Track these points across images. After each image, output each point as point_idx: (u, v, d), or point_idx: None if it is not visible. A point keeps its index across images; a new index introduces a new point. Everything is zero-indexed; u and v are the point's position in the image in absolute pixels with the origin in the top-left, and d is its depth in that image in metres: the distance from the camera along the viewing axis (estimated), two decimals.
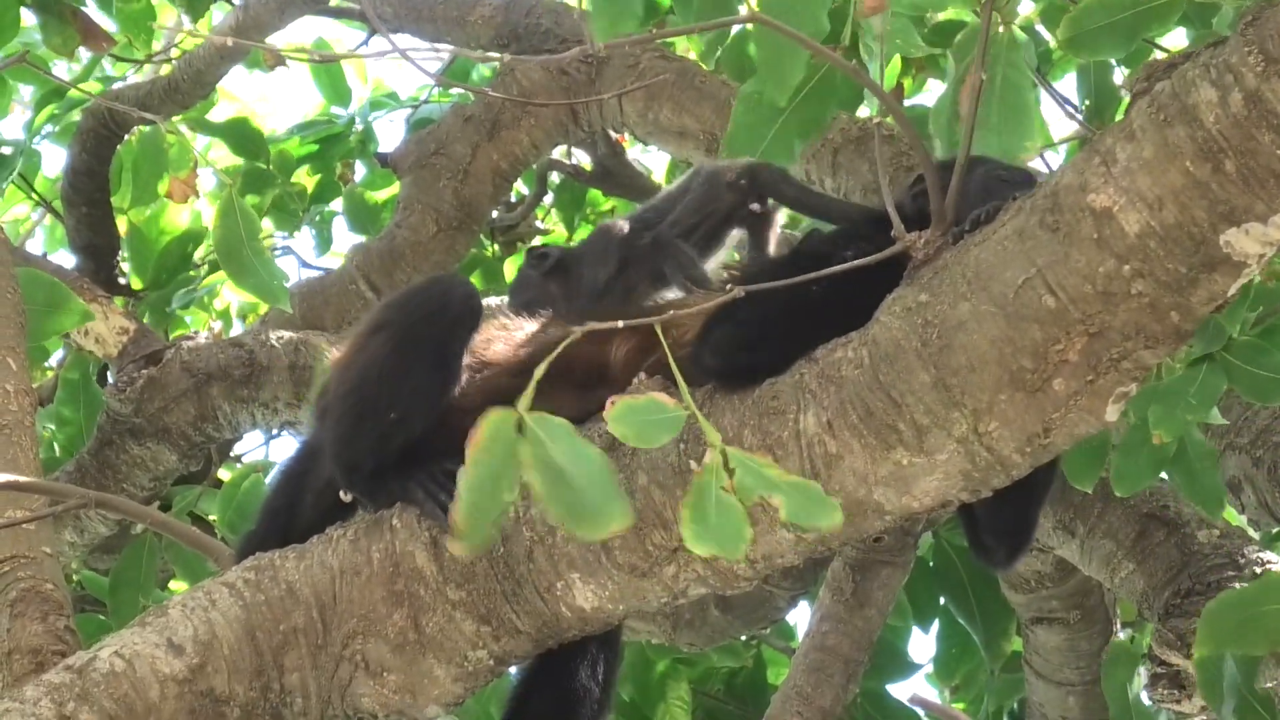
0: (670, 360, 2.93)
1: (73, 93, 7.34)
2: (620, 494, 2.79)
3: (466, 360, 3.48)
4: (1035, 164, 3.97)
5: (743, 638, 6.28)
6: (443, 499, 3.27)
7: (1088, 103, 4.97)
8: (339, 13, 7.88)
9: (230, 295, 7.97)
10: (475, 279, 7.44)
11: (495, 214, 7.31)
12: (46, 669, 3.36)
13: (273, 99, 11.42)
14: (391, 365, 3.42)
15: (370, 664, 3.34)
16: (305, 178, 7.78)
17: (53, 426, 5.90)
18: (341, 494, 3.50)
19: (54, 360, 7.22)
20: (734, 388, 3.22)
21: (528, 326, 3.66)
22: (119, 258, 7.44)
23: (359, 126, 7.74)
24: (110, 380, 5.92)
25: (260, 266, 4.81)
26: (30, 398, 4.20)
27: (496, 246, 7.91)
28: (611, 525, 2.83)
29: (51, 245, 8.57)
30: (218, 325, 7.90)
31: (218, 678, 3.27)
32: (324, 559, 3.39)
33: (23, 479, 3.74)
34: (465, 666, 3.35)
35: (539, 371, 2.93)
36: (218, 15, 7.89)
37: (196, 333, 6.08)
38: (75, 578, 6.34)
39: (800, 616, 6.59)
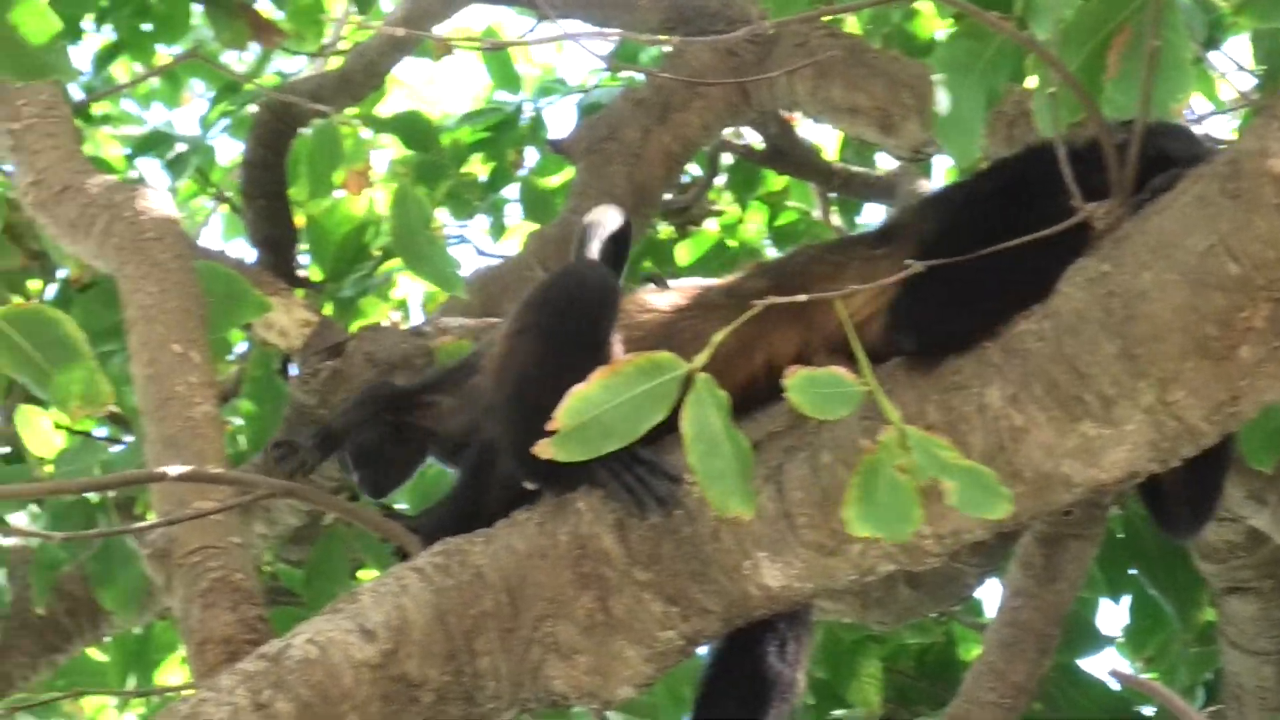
0: (851, 334, 2.95)
1: (246, 87, 7.48)
2: (748, 485, 2.94)
3: (617, 338, 3.50)
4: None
5: (933, 615, 6.26)
6: (626, 480, 3.32)
7: (1263, 68, 4.90)
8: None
9: (408, 285, 8.08)
10: (647, 263, 7.48)
11: (668, 196, 7.33)
12: (239, 658, 3.40)
13: (441, 85, 11.50)
14: (543, 364, 3.46)
15: (560, 646, 3.38)
16: (478, 166, 7.85)
17: (238, 420, 6.01)
18: (526, 483, 3.54)
19: (237, 353, 7.35)
20: (931, 364, 3.23)
21: (674, 298, 3.67)
22: (297, 250, 7.56)
23: (529, 113, 7.80)
24: (293, 372, 6.01)
25: (435, 254, 4.90)
26: (214, 390, 4.29)
27: (670, 229, 7.94)
28: (733, 508, 2.92)
29: (229, 236, 8.74)
30: (397, 316, 8.01)
31: (410, 663, 3.31)
32: (511, 543, 3.43)
33: (210, 470, 3.80)
34: (655, 647, 3.39)
35: (718, 337, 2.99)
36: (385, 5, 7.99)
37: (378, 324, 6.16)
38: (269, 570, 6.47)
39: (990, 593, 6.56)
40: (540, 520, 3.45)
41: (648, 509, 3.31)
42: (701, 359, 3.00)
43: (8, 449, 6.49)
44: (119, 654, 6.60)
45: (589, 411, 2.95)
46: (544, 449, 2.95)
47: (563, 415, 2.95)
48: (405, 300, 8.25)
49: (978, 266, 3.17)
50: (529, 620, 3.39)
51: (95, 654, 6.76)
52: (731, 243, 7.64)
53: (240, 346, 7.30)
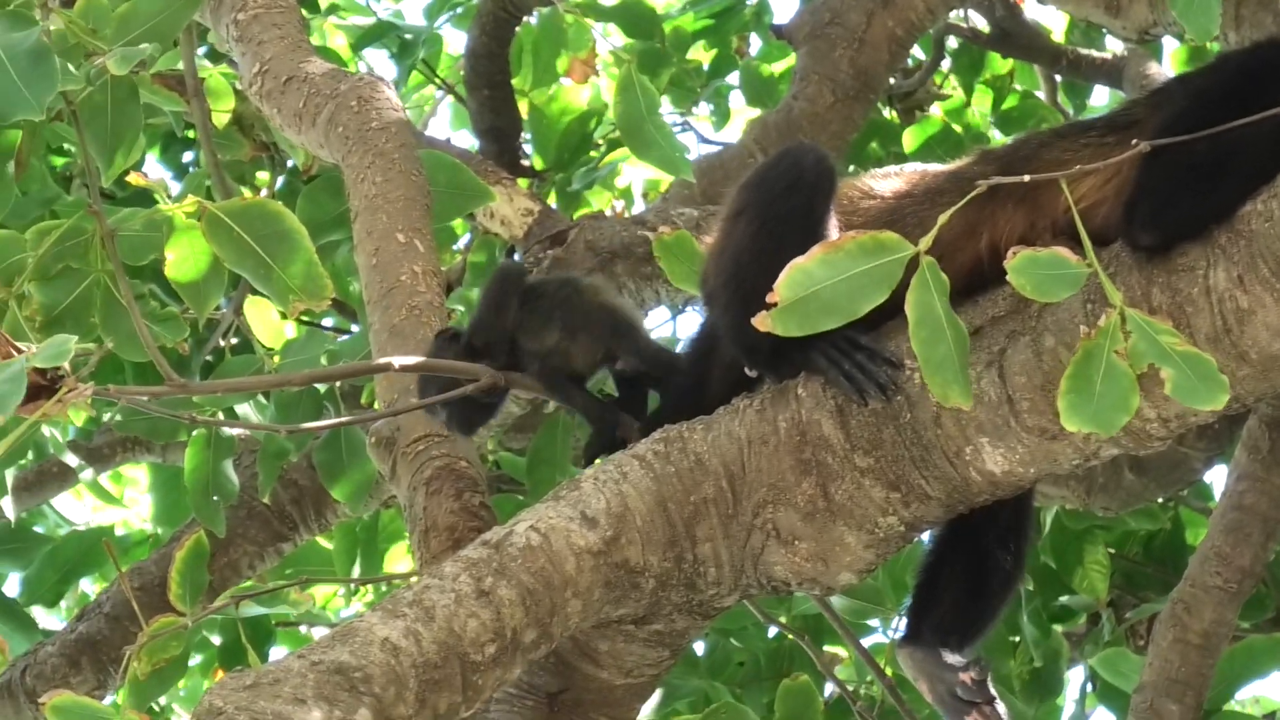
0: (1076, 215, 2.92)
1: None
2: (965, 375, 2.97)
3: (835, 223, 3.48)
4: None
5: (1159, 500, 6.19)
6: (846, 366, 3.31)
7: None
8: None
9: (631, 173, 8.10)
10: (874, 147, 7.41)
11: (892, 81, 7.26)
12: (463, 545, 3.43)
13: None
14: (760, 247, 3.44)
15: (781, 532, 3.39)
16: (700, 53, 7.83)
17: (461, 309, 6.08)
18: (746, 369, 3.55)
19: (461, 244, 7.43)
20: (1168, 253, 3.18)
21: (896, 184, 3.65)
22: (521, 140, 7.61)
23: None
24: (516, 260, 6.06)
25: (662, 139, 4.90)
26: (438, 279, 4.34)
27: (895, 114, 7.87)
28: (953, 398, 2.95)
29: (456, 127, 8.81)
30: (620, 205, 8.03)
31: (632, 549, 3.34)
32: (731, 429, 3.44)
33: (434, 359, 3.84)
34: (876, 533, 3.39)
35: (944, 217, 2.98)
36: None
37: (600, 212, 6.19)
38: (491, 458, 6.55)
39: (1217, 476, 6.46)
40: (760, 407, 3.45)
41: (868, 395, 3.30)
42: (928, 239, 3.00)
43: (236, 340, 6.62)
44: (345, 542, 6.74)
45: (809, 285, 2.97)
46: (763, 322, 2.96)
47: (782, 287, 2.96)
48: (629, 189, 8.27)
49: (1212, 154, 3.13)
50: (749, 507, 3.41)
51: (322, 542, 6.91)
52: (957, 128, 7.53)
53: (465, 238, 7.37)
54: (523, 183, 6.69)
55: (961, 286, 3.18)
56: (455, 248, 7.36)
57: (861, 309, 3.00)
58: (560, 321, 3.80)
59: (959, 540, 3.69)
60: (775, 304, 3.00)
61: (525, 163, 7.61)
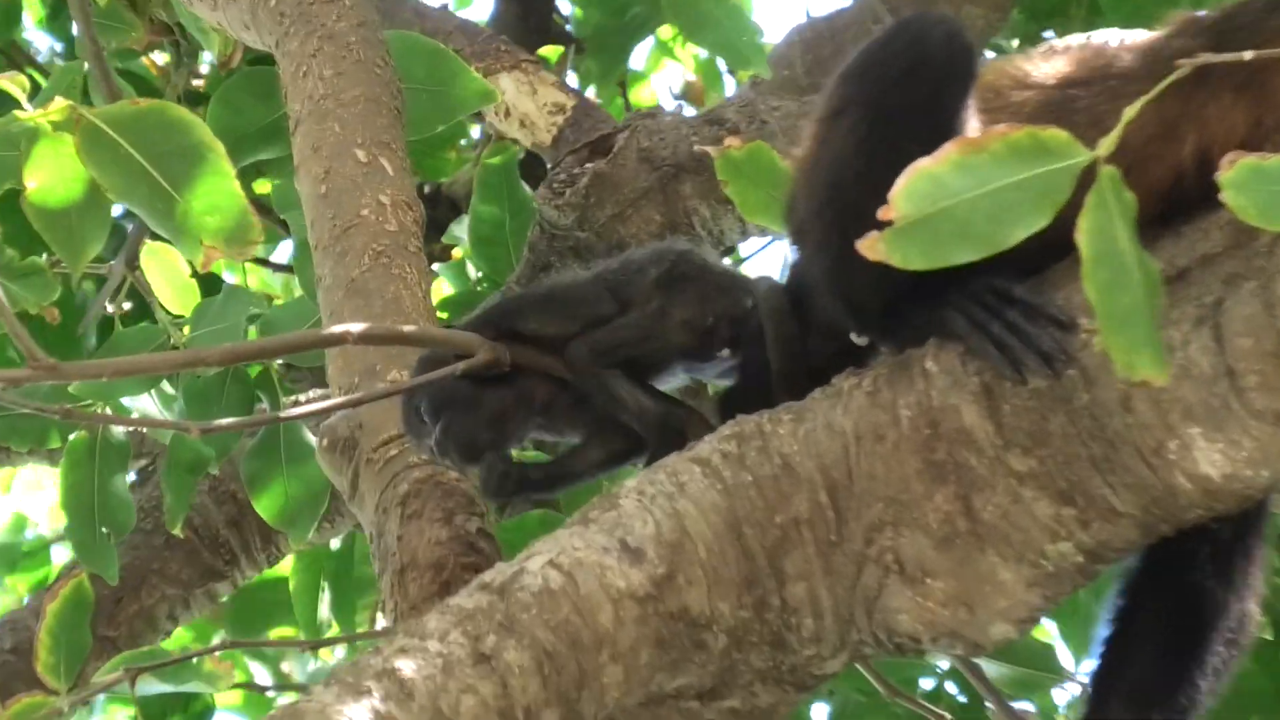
0: None
1: None
2: (1157, 336, 2.96)
3: (975, 123, 3.47)
4: None
5: None
6: (995, 329, 3.29)
7: None
8: None
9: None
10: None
11: None
12: (454, 589, 3.45)
13: None
14: (869, 158, 3.43)
15: (905, 566, 3.39)
16: None
17: (464, 238, 6.05)
18: (852, 334, 3.57)
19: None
20: None
21: (1062, 66, 3.64)
22: None
23: None
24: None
25: (723, 12, 4.88)
26: (415, 212, 4.35)
27: None
28: (1140, 369, 2.93)
29: None
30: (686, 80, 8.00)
31: (692, 592, 3.34)
32: (832, 420, 3.44)
33: (406, 328, 3.86)
34: (1042, 566, 3.38)
35: (1131, 111, 2.98)
36: None
37: (655, 108, 6.17)
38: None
39: None
40: (872, 388, 3.45)
41: (1027, 369, 3.28)
42: (1110, 141, 2.99)
43: (130, 304, 6.64)
44: (307, 577, 6.73)
45: (938, 198, 2.95)
46: (872, 246, 2.94)
47: (900, 197, 2.94)
48: (709, 63, 8.25)
49: None
50: (860, 530, 3.41)
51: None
52: None
53: (475, 132, 7.36)
54: (553, 56, 6.64)
55: (1156, 211, 3.17)
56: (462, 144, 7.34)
57: (1012, 237, 2.99)
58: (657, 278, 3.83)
59: (1162, 575, 3.69)
60: (890, 222, 2.99)
61: (566, 29, 7.58)
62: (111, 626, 5.55)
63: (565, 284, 3.95)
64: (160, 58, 7.44)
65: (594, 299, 3.84)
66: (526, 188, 6.00)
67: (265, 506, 5.21)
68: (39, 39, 7.85)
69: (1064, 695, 5.89)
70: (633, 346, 3.78)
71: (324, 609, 6.78)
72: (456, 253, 6.76)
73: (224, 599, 6.37)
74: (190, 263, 4.31)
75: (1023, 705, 5.87)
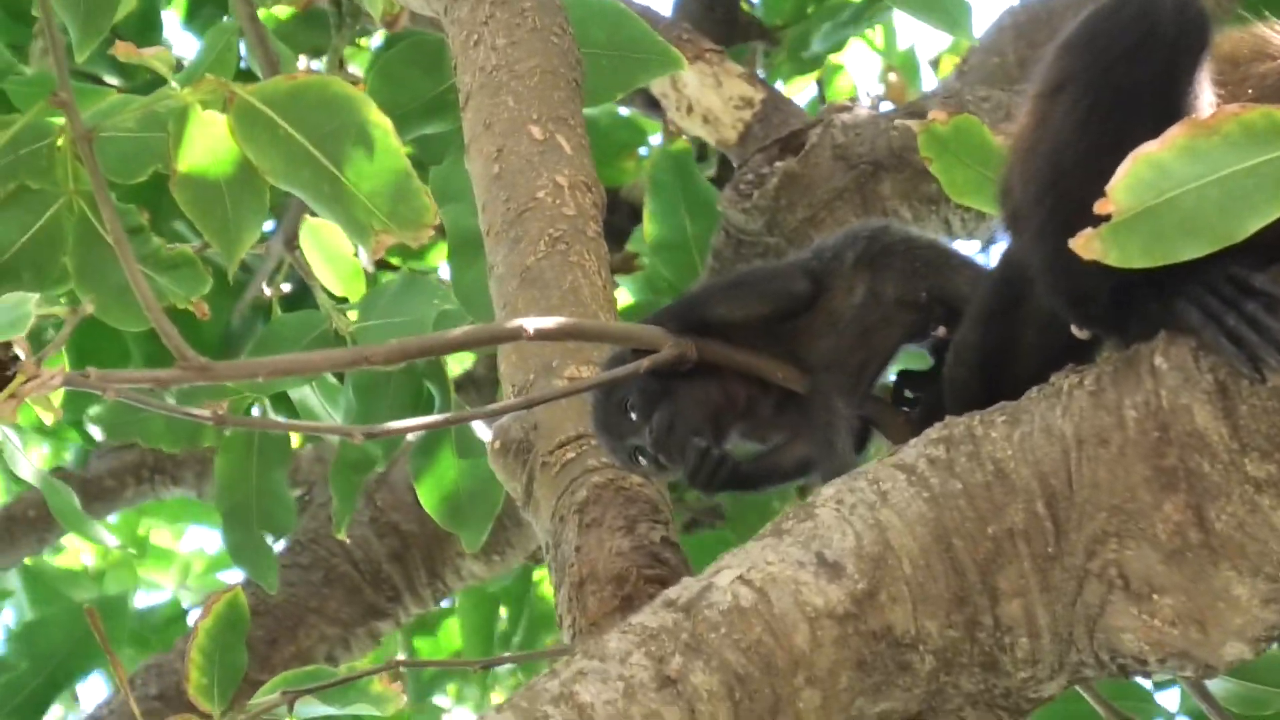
0: None
1: None
2: None
3: (1209, 99, 3.40)
4: None
5: None
6: (1231, 322, 3.22)
7: None
8: None
9: (909, 28, 8.12)
10: None
11: None
12: (637, 604, 3.48)
13: None
14: (1093, 141, 3.38)
15: (1131, 581, 3.33)
16: None
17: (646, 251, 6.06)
18: (1073, 328, 3.51)
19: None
20: None
21: None
22: None
23: None
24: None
25: None
26: (595, 194, 4.31)
27: None
28: None
29: None
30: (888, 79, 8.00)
31: (896, 610, 3.31)
32: (1050, 423, 3.39)
33: (586, 323, 3.83)
34: None
35: None
36: None
37: (851, 100, 6.15)
38: None
39: None
40: (1095, 387, 3.40)
41: (1267, 366, 3.22)
42: None
43: (289, 286, 6.64)
44: (477, 616, 6.76)
45: (1163, 188, 2.91)
46: (1087, 244, 2.88)
47: (1120, 188, 2.89)
48: (907, 54, 8.25)
49: None
50: (1081, 542, 3.36)
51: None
52: None
53: (656, 138, 7.38)
54: (739, 51, 6.63)
55: None
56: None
57: (1244, 229, 2.96)
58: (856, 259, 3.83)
59: None
60: (1108, 216, 2.94)
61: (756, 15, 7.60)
62: (266, 670, 5.55)
63: (754, 269, 3.93)
64: None
65: (786, 275, 3.83)
66: (707, 183, 5.99)
67: (433, 503, 5.17)
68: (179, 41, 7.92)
69: None
70: (865, 355, 3.76)
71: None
72: (640, 261, 6.74)
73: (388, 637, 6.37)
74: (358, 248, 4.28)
75: None
